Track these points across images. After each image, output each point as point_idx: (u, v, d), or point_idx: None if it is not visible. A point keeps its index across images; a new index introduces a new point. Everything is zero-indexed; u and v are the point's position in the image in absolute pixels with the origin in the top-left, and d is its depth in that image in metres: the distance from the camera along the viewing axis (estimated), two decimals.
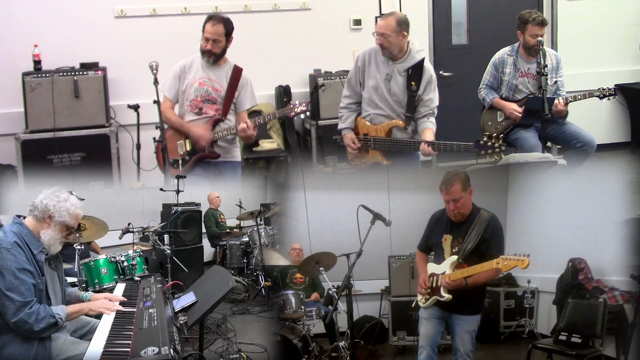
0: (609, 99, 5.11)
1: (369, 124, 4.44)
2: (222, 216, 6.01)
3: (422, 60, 4.28)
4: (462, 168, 3.64)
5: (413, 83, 4.23)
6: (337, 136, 4.69)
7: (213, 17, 4.39)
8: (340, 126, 4.58)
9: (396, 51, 4.26)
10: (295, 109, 4.33)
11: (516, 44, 5.10)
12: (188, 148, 4.49)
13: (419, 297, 3.37)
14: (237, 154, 4.69)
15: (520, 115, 4.95)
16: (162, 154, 4.26)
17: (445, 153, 4.20)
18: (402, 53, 4.28)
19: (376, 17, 4.48)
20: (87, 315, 3.15)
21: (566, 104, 4.88)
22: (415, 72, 4.25)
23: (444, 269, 3.24)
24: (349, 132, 4.51)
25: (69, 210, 2.89)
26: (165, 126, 4.37)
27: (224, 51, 4.45)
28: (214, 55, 4.41)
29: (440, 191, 3.24)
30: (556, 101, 4.84)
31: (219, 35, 4.36)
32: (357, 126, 4.51)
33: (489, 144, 3.94)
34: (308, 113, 4.40)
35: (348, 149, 4.49)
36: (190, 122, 4.47)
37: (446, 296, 3.18)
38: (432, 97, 4.30)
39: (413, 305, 3.47)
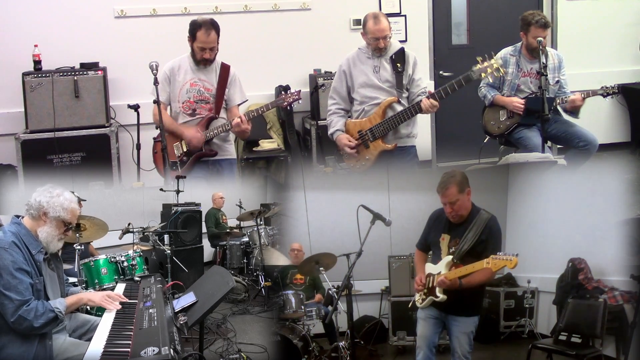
0: (612, 97, 5.13)
1: (361, 120, 4.48)
2: (224, 217, 6.01)
3: (403, 48, 4.51)
4: (462, 168, 3.64)
5: (399, 64, 4.44)
6: None
7: (203, 25, 4.33)
8: (330, 131, 4.60)
9: (389, 45, 4.46)
10: (288, 99, 4.39)
11: (518, 44, 5.11)
12: (185, 149, 4.49)
13: (416, 297, 3.36)
14: (232, 151, 4.71)
15: (523, 107, 4.97)
16: (162, 154, 4.25)
17: (449, 97, 4.30)
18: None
19: (362, 20, 4.56)
20: (87, 312, 3.16)
21: (583, 98, 4.91)
22: (399, 56, 4.46)
23: (440, 269, 3.22)
24: (342, 134, 4.51)
25: (63, 205, 2.88)
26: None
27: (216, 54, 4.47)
28: (210, 62, 4.43)
29: (438, 193, 3.22)
30: (573, 97, 4.88)
31: (214, 43, 4.37)
32: (348, 129, 4.52)
33: (485, 64, 4.22)
34: (300, 101, 4.45)
35: (346, 149, 4.47)
36: (183, 124, 4.49)
37: (441, 296, 3.16)
38: (421, 77, 4.55)
39: (410, 306, 3.46)
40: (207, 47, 4.35)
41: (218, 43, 4.41)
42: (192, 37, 4.38)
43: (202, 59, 4.40)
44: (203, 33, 4.32)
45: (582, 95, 4.93)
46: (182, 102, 4.48)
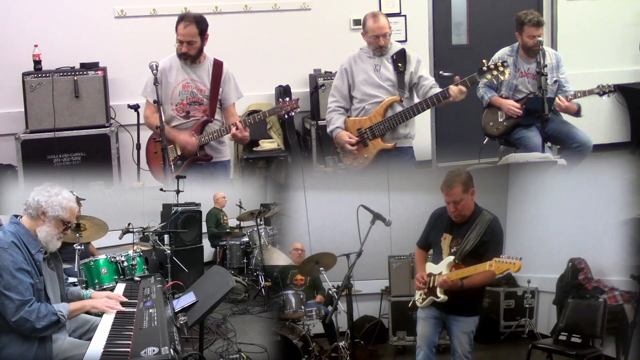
0: (608, 96, 5.11)
1: (361, 118, 4.48)
2: (225, 217, 6.01)
3: (404, 49, 4.53)
4: (462, 167, 3.64)
5: (400, 65, 4.46)
6: None
7: (184, 18, 4.28)
8: (330, 128, 4.58)
9: (390, 45, 4.51)
10: (286, 107, 4.27)
11: (515, 45, 5.11)
12: (179, 152, 4.40)
13: (417, 296, 3.36)
14: (226, 152, 4.61)
15: (519, 111, 4.96)
16: (162, 153, 4.22)
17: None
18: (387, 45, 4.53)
19: (361, 20, 4.59)
20: (88, 313, 3.16)
21: (569, 100, 4.88)
22: (400, 56, 4.49)
23: (441, 269, 3.21)
24: (342, 131, 4.51)
25: (62, 204, 2.88)
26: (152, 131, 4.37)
27: (200, 50, 4.35)
28: (190, 57, 4.32)
29: (442, 191, 3.21)
30: (557, 100, 4.84)
31: (192, 37, 4.26)
32: (347, 127, 4.52)
33: (491, 66, 4.23)
34: (297, 111, 4.34)
35: (347, 146, 4.46)
36: (176, 128, 4.39)
37: (442, 297, 3.16)
38: (427, 72, 4.56)
39: (410, 305, 3.46)
40: (184, 40, 4.25)
41: (203, 41, 4.31)
42: (176, 31, 4.31)
43: (181, 54, 4.31)
44: (181, 26, 4.25)
45: (565, 97, 4.90)
46: (175, 104, 4.38)
